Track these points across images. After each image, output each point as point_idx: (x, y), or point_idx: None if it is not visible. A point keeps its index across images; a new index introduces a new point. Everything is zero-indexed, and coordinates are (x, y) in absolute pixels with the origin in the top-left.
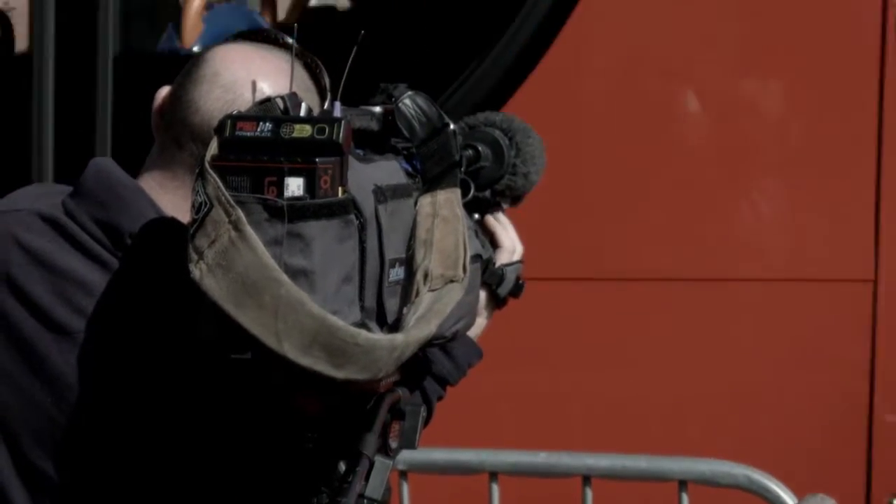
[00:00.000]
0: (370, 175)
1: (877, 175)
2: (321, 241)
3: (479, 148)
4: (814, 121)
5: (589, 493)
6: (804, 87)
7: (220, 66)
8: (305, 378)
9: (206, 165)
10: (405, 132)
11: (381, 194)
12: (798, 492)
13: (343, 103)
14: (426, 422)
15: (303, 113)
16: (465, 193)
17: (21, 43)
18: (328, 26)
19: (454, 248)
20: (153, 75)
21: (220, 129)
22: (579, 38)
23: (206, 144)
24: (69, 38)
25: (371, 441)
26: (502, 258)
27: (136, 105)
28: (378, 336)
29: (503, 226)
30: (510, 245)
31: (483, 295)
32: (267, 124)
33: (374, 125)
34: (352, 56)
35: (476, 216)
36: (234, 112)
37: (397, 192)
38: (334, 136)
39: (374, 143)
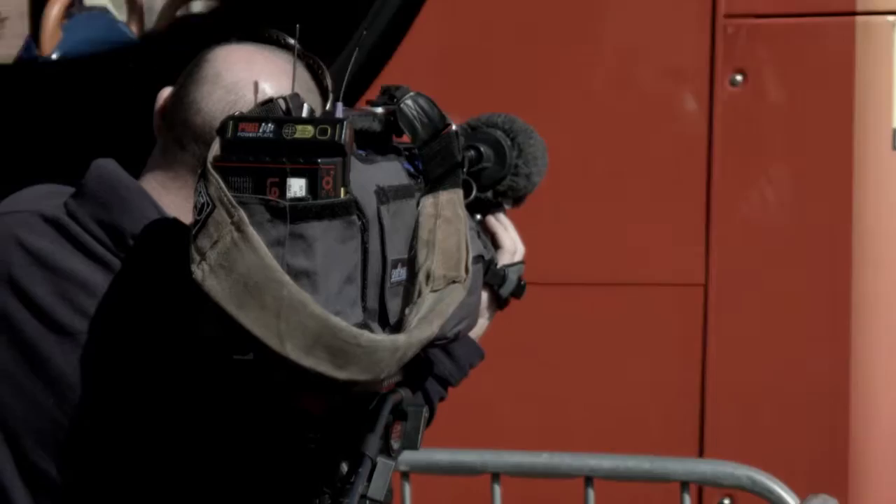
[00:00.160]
0: (372, 176)
1: (707, 184)
2: (323, 241)
3: (482, 149)
4: (648, 131)
5: (591, 494)
6: (639, 99)
7: (223, 67)
8: (308, 379)
9: (209, 166)
10: (407, 133)
11: (384, 195)
12: None
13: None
14: (428, 422)
15: (305, 114)
16: (467, 194)
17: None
18: (197, 35)
19: (456, 249)
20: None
21: (222, 129)
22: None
23: (208, 145)
24: None
25: (373, 442)
26: (504, 259)
27: None
28: (380, 337)
29: (504, 226)
30: (511, 246)
31: (485, 296)
32: (269, 125)
33: (376, 126)
34: (353, 56)
35: (478, 217)
36: (237, 113)
37: (399, 193)
38: (336, 137)
39: (377, 143)
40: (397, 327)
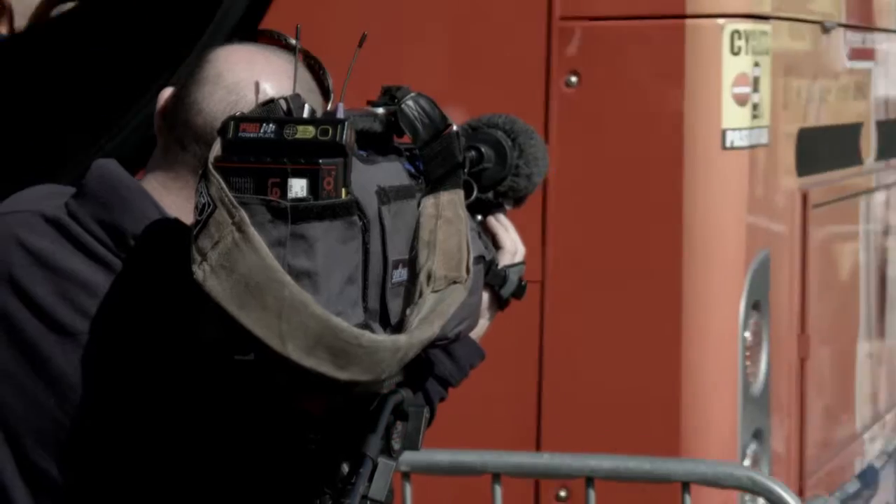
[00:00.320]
0: (373, 176)
1: (543, 182)
2: (325, 242)
3: (482, 149)
4: None
5: (591, 495)
6: (476, 100)
7: (224, 68)
8: (309, 379)
9: (210, 167)
10: (408, 133)
11: (385, 195)
12: None
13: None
14: (429, 423)
15: (306, 114)
16: (467, 195)
17: None
18: (68, 34)
19: (457, 250)
20: None
21: (223, 130)
22: None
23: (209, 146)
24: None
25: (374, 442)
26: (504, 259)
27: None
28: (381, 337)
29: (504, 227)
30: (512, 246)
31: (486, 296)
32: (270, 125)
33: (377, 126)
34: (354, 57)
35: (479, 217)
36: (238, 113)
37: (400, 194)
38: (338, 138)
39: (378, 144)
40: (398, 328)
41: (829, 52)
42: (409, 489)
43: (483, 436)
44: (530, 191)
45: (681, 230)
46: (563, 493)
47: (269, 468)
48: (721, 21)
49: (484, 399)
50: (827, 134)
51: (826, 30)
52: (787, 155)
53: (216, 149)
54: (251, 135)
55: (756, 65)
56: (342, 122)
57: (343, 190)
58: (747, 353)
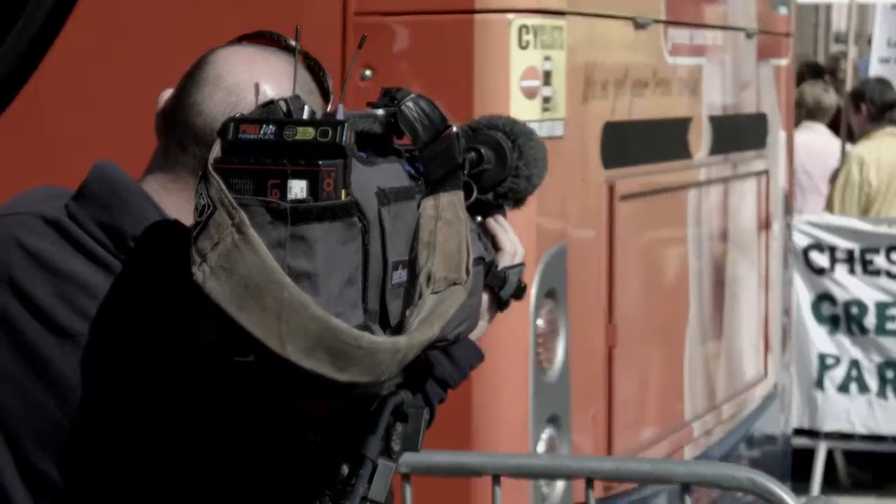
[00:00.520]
0: (373, 177)
1: None
2: (324, 243)
3: (482, 150)
4: None
5: (592, 496)
6: None
7: (223, 69)
8: (308, 380)
9: (210, 168)
10: (408, 135)
11: (384, 197)
12: None
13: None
14: (428, 424)
15: (306, 115)
16: (467, 196)
17: None
18: None
19: (457, 251)
20: None
21: (223, 131)
22: None
23: (209, 147)
24: None
25: (374, 443)
26: (504, 261)
27: None
28: (381, 338)
29: (504, 228)
30: (511, 248)
31: (485, 297)
32: (270, 127)
33: (376, 128)
34: (354, 58)
35: (478, 219)
36: (237, 115)
37: (400, 195)
38: (337, 139)
39: (377, 145)
40: (398, 329)
41: (646, 48)
42: (408, 490)
43: None
44: (530, 192)
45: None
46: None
47: (269, 469)
48: (510, 16)
49: None
50: (641, 128)
51: (640, 26)
52: (591, 148)
53: (216, 150)
54: (251, 136)
55: (547, 59)
56: (342, 123)
57: (343, 191)
58: (541, 341)
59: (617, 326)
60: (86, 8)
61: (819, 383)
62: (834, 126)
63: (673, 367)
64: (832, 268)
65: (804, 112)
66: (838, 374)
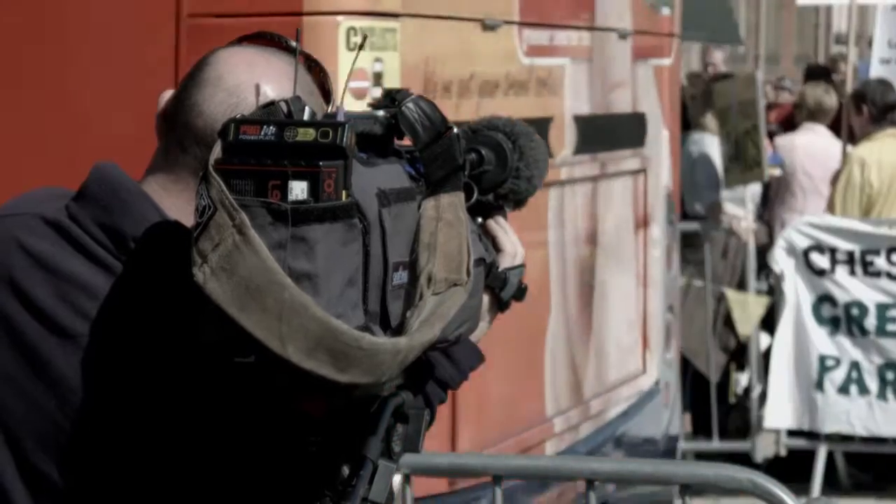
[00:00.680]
0: (373, 178)
1: None
2: (325, 244)
3: (483, 151)
4: (123, 128)
5: (592, 497)
6: (113, 96)
7: (224, 70)
8: (309, 381)
9: (210, 169)
10: (409, 136)
11: (385, 198)
12: None
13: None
14: (428, 425)
15: (306, 116)
16: (468, 197)
17: None
18: None
19: (458, 252)
20: None
21: (223, 132)
22: None
23: (209, 148)
24: None
25: (375, 445)
26: (504, 262)
27: None
28: (382, 340)
29: (504, 230)
30: (512, 249)
31: (486, 299)
32: (270, 128)
33: (377, 129)
34: (355, 59)
35: (479, 220)
36: (238, 116)
37: (401, 196)
38: (338, 140)
39: (378, 146)
40: (399, 330)
41: (496, 49)
42: (409, 491)
43: None
44: (531, 193)
45: None
46: None
47: (269, 470)
48: (339, 18)
49: None
50: None
51: (488, 27)
52: None
53: (217, 151)
54: (252, 137)
55: (378, 60)
56: (342, 124)
57: (343, 192)
58: None
59: None
60: None
61: (819, 385)
62: (835, 128)
63: (533, 365)
64: (833, 269)
65: (805, 113)
66: (838, 375)
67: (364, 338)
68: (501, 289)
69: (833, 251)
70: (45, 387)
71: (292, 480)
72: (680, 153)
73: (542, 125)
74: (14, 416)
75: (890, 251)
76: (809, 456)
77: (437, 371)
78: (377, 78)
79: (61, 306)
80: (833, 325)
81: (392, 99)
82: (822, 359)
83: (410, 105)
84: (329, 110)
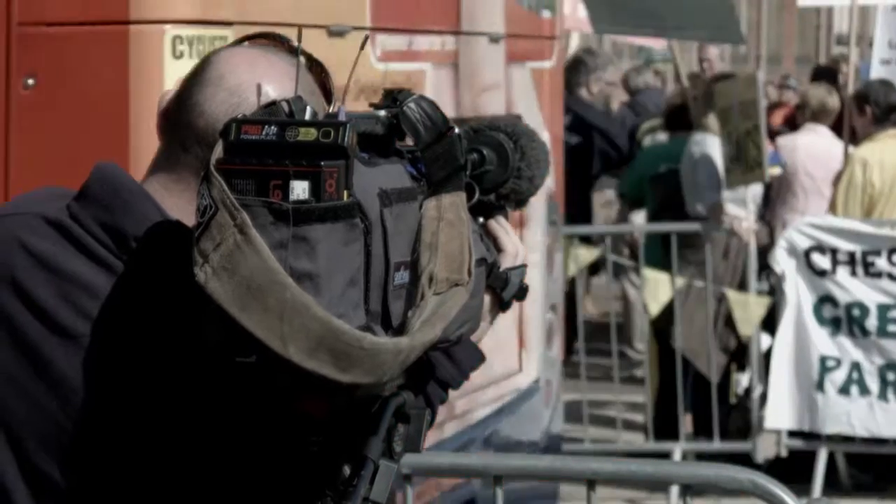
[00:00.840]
0: (375, 178)
1: (5, 183)
2: (326, 244)
3: (484, 152)
4: None
5: (593, 498)
6: None
7: (226, 69)
8: (310, 381)
9: (212, 169)
10: (410, 135)
11: (387, 198)
12: None
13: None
14: (429, 425)
15: (308, 116)
16: (469, 197)
17: None
18: None
19: (459, 252)
20: None
21: (225, 132)
22: None
23: (211, 148)
24: None
25: (376, 445)
26: (506, 262)
27: None
28: (383, 339)
29: (506, 230)
30: (513, 249)
31: (487, 299)
32: (272, 128)
33: (378, 129)
34: (356, 59)
35: (480, 220)
36: (240, 116)
37: (402, 196)
38: (339, 140)
39: (379, 146)
40: (400, 330)
41: (344, 55)
42: (410, 491)
43: None
44: (532, 193)
45: None
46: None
47: (270, 470)
48: (165, 27)
49: None
50: None
51: (334, 34)
52: None
53: (218, 151)
54: (253, 137)
55: None
56: (344, 124)
57: (345, 192)
58: None
59: None
60: None
61: (820, 385)
62: (836, 128)
63: None
64: (834, 270)
65: (808, 114)
66: (839, 376)
67: (365, 338)
68: (503, 289)
69: (834, 252)
70: (46, 387)
71: (294, 480)
72: (561, 154)
73: None
74: (16, 416)
75: (891, 252)
76: (810, 457)
77: (439, 371)
78: None
79: (63, 306)
80: (834, 325)
81: (394, 99)
82: (823, 359)
83: (412, 105)
84: (330, 110)
